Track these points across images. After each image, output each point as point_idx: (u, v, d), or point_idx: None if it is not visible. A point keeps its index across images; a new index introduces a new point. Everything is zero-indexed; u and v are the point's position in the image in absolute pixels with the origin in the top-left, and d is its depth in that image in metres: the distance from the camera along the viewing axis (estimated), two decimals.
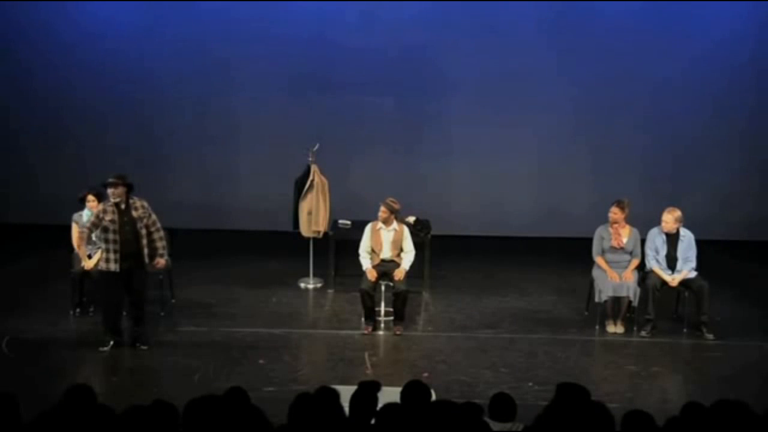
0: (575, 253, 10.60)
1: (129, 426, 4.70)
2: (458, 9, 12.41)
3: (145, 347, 8.61)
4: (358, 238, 9.57)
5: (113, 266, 8.36)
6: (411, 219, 10.50)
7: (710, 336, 9.16)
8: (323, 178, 10.54)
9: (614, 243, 9.34)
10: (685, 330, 9.34)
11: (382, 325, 9.41)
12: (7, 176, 12.99)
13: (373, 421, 5.04)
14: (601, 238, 9.43)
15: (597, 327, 9.39)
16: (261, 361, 8.40)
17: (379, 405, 5.06)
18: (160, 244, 8.62)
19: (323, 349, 9.02)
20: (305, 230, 10.55)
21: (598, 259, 9.41)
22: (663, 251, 9.28)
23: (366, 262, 9.39)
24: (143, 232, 8.46)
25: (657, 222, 9.35)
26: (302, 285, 10.75)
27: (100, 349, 8.52)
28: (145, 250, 8.50)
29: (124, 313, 8.76)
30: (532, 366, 8.46)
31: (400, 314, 9.30)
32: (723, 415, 4.92)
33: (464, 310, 10.05)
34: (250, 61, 12.60)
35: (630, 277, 9.24)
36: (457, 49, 12.58)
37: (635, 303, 9.23)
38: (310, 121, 12.42)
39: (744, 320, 9.79)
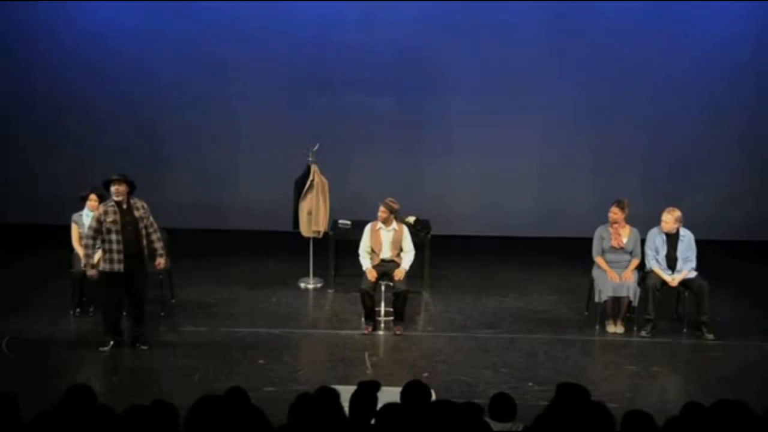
0: (575, 253, 10.60)
1: (129, 426, 4.70)
2: (458, 9, 12.42)
3: (145, 347, 8.61)
4: (358, 238, 9.57)
5: (117, 266, 8.34)
6: (411, 219, 10.50)
7: (710, 336, 9.15)
8: (323, 178, 10.54)
9: (614, 243, 9.33)
10: (685, 330, 9.34)
11: (382, 325, 9.41)
12: (7, 176, 13.00)
13: (373, 421, 5.04)
14: (601, 238, 9.43)
15: (597, 327, 9.38)
16: (261, 361, 8.40)
17: (379, 405, 5.05)
18: (159, 245, 8.60)
19: (323, 349, 9.02)
20: (305, 230, 10.55)
21: (598, 259, 9.41)
22: (663, 251, 9.27)
23: (366, 262, 9.39)
24: (143, 232, 8.46)
25: (657, 222, 9.35)
26: (302, 285, 10.75)
27: (100, 349, 8.51)
28: (146, 251, 8.49)
29: (124, 314, 8.74)
30: (532, 366, 8.45)
31: (400, 314, 9.30)
32: (723, 415, 4.92)
33: (464, 310, 10.05)
34: (250, 61, 12.61)
35: (630, 277, 9.24)
36: (457, 49, 12.59)
37: (635, 303, 9.22)
38: (310, 121, 12.43)
39: (744, 320, 9.79)
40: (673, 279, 9.23)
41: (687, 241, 9.29)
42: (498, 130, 12.72)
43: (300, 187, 10.53)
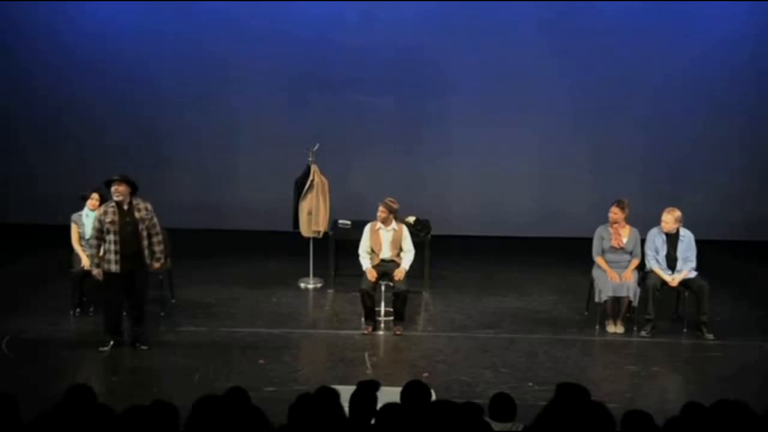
0: (575, 253, 10.60)
1: (129, 426, 4.70)
2: (458, 9, 12.41)
3: (145, 347, 8.61)
4: (358, 238, 9.57)
5: (113, 267, 8.35)
6: (411, 219, 10.50)
7: (710, 336, 9.15)
8: (323, 178, 10.54)
9: (614, 243, 9.33)
10: (685, 330, 9.34)
11: (382, 325, 9.41)
12: (7, 176, 13.00)
13: (373, 421, 5.04)
14: (601, 238, 9.43)
15: (597, 327, 9.38)
16: (261, 361, 8.40)
17: (379, 405, 5.05)
18: (158, 248, 8.57)
19: (323, 349, 9.02)
20: (305, 230, 10.55)
21: (598, 259, 9.41)
22: (663, 251, 9.27)
23: (366, 262, 9.39)
24: (144, 233, 8.44)
25: (657, 222, 9.34)
26: (302, 285, 10.75)
27: (100, 349, 8.51)
28: (146, 252, 8.47)
29: (125, 313, 8.74)
30: (532, 366, 8.45)
31: (400, 314, 9.30)
32: (723, 415, 4.92)
33: (464, 310, 10.04)
34: (250, 61, 12.61)
35: (630, 277, 9.24)
36: (457, 49, 12.59)
37: (635, 303, 9.22)
38: (310, 121, 12.43)
39: (744, 320, 9.79)
40: (673, 279, 9.23)
41: (687, 241, 9.29)
42: (498, 130, 12.72)
43: (300, 187, 10.53)
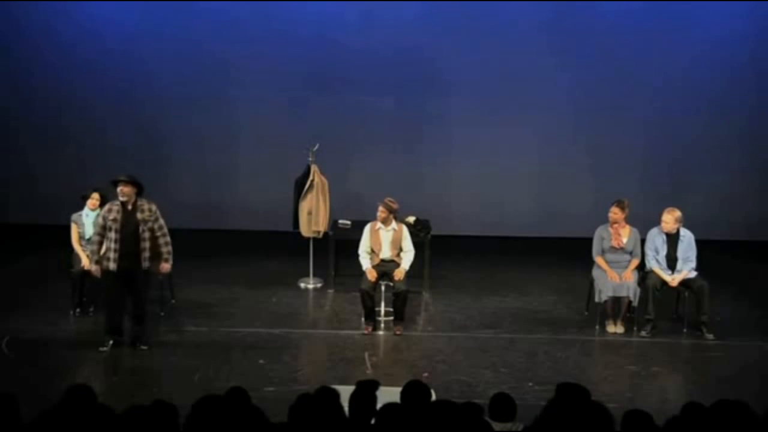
0: (575, 253, 10.59)
1: (129, 426, 4.70)
2: (458, 9, 12.41)
3: (145, 347, 8.60)
4: (358, 238, 9.57)
5: (111, 265, 8.35)
6: (411, 219, 10.50)
7: (710, 336, 9.15)
8: (323, 178, 10.54)
9: (614, 243, 9.33)
10: (685, 330, 9.34)
11: (382, 325, 9.41)
12: (7, 176, 13.00)
13: (373, 421, 5.04)
14: (601, 238, 9.42)
15: (597, 327, 9.38)
16: (261, 361, 8.40)
17: (379, 405, 5.05)
18: (165, 249, 8.58)
19: (323, 349, 9.02)
20: (305, 230, 10.55)
21: (598, 259, 9.41)
22: (663, 251, 9.27)
23: (366, 262, 9.39)
24: (145, 235, 8.43)
25: (657, 222, 9.34)
26: (302, 285, 10.75)
27: (100, 348, 8.51)
28: (145, 253, 8.45)
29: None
30: (532, 366, 8.45)
31: (400, 314, 9.30)
32: (723, 415, 4.92)
33: (464, 310, 10.04)
34: (250, 61, 12.61)
35: (630, 277, 9.24)
36: (457, 49, 12.59)
37: (635, 303, 9.22)
38: (310, 121, 12.43)
39: (744, 320, 9.79)
40: (673, 279, 9.23)
41: (687, 241, 9.29)
42: (498, 130, 12.72)
43: (300, 187, 10.53)
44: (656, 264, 9.26)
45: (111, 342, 8.55)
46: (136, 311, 8.63)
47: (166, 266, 8.68)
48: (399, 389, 5.39)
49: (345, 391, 5.23)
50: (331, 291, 10.59)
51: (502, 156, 12.86)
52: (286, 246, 11.39)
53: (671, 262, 9.28)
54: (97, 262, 8.51)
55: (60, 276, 9.91)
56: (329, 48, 12.57)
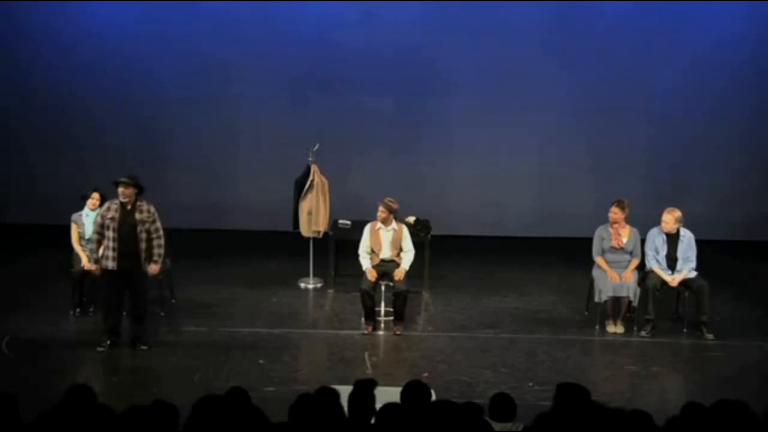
0: (575, 253, 10.59)
1: (129, 426, 4.70)
2: (458, 9, 12.42)
3: (145, 347, 8.60)
4: (358, 238, 9.57)
5: (111, 264, 8.36)
6: (411, 219, 10.50)
7: (710, 336, 9.15)
8: (323, 178, 10.54)
9: (614, 243, 9.33)
10: (685, 330, 9.34)
11: (382, 325, 9.41)
12: (7, 176, 13.00)
13: (373, 421, 5.03)
14: (601, 238, 9.42)
15: (597, 327, 9.38)
16: (261, 361, 8.40)
17: (379, 405, 5.05)
18: (157, 251, 8.55)
19: (323, 349, 9.02)
20: (305, 230, 10.55)
21: (598, 259, 9.41)
22: (663, 251, 9.27)
23: (366, 262, 9.39)
24: (143, 235, 8.43)
25: (657, 222, 9.34)
26: (302, 285, 10.75)
27: (97, 348, 8.50)
28: (143, 253, 8.47)
29: (125, 313, 8.74)
30: (532, 366, 8.45)
31: (400, 314, 9.30)
32: (723, 415, 4.92)
33: (464, 310, 10.04)
34: (250, 61, 12.61)
35: (630, 277, 9.24)
36: (457, 49, 12.59)
37: (635, 303, 9.22)
38: (310, 121, 12.43)
39: (744, 320, 9.79)
40: (673, 279, 9.23)
41: (687, 241, 9.29)
42: (498, 130, 12.72)
43: (300, 187, 10.53)
44: (656, 264, 9.26)
45: (108, 342, 8.55)
46: (136, 311, 8.63)
47: (154, 267, 8.62)
48: (399, 389, 5.39)
49: (345, 391, 5.22)
50: (331, 291, 10.59)
51: (502, 156, 12.86)
52: (286, 246, 11.39)
53: (671, 262, 9.28)
54: (97, 261, 8.51)
55: (60, 276, 9.91)
56: (329, 48, 12.57)
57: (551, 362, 8.56)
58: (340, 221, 10.88)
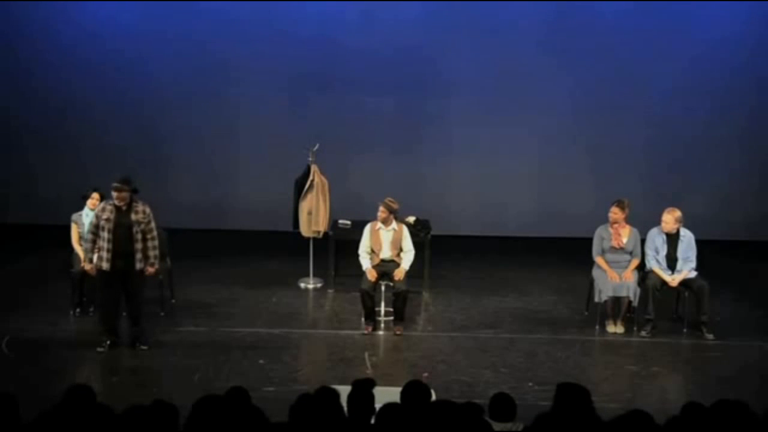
0: (575, 253, 10.59)
1: (129, 426, 4.70)
2: (458, 9, 12.42)
3: (145, 347, 8.60)
4: (358, 238, 9.57)
5: (105, 265, 8.35)
6: (411, 219, 10.50)
7: (710, 336, 9.15)
8: (323, 178, 10.54)
9: (614, 243, 9.33)
10: (685, 330, 9.34)
11: (382, 325, 9.41)
12: (7, 176, 13.00)
13: (373, 421, 5.03)
14: (601, 238, 9.42)
15: (597, 327, 9.38)
16: (261, 361, 8.40)
17: (379, 405, 5.05)
18: (152, 253, 8.53)
19: (323, 349, 9.02)
20: (305, 230, 10.55)
21: (598, 259, 9.41)
22: (663, 251, 9.27)
23: (366, 262, 9.39)
24: (138, 236, 8.42)
25: (657, 222, 9.34)
26: (302, 285, 10.75)
27: (97, 349, 8.50)
28: (138, 254, 8.44)
29: (123, 314, 8.73)
30: (532, 366, 8.45)
31: (400, 314, 9.30)
32: (723, 415, 4.92)
33: (464, 310, 10.04)
34: (250, 60, 12.61)
35: (630, 277, 9.23)
36: (457, 49, 12.59)
37: (635, 303, 9.22)
38: (310, 121, 12.43)
39: (744, 320, 9.79)
40: (673, 279, 9.23)
41: (687, 241, 9.29)
42: (498, 130, 12.72)
43: (300, 187, 10.53)
44: (656, 264, 9.26)
45: (108, 342, 8.55)
46: (133, 312, 8.62)
47: (150, 270, 8.61)
48: (399, 389, 5.39)
49: (345, 391, 5.22)
50: (331, 291, 10.59)
51: (502, 156, 12.86)
52: (286, 246, 11.39)
53: (671, 262, 9.28)
54: (91, 261, 8.52)
55: (60, 276, 9.92)
56: (329, 48, 12.57)
57: (551, 362, 8.56)
58: (340, 221, 10.88)
